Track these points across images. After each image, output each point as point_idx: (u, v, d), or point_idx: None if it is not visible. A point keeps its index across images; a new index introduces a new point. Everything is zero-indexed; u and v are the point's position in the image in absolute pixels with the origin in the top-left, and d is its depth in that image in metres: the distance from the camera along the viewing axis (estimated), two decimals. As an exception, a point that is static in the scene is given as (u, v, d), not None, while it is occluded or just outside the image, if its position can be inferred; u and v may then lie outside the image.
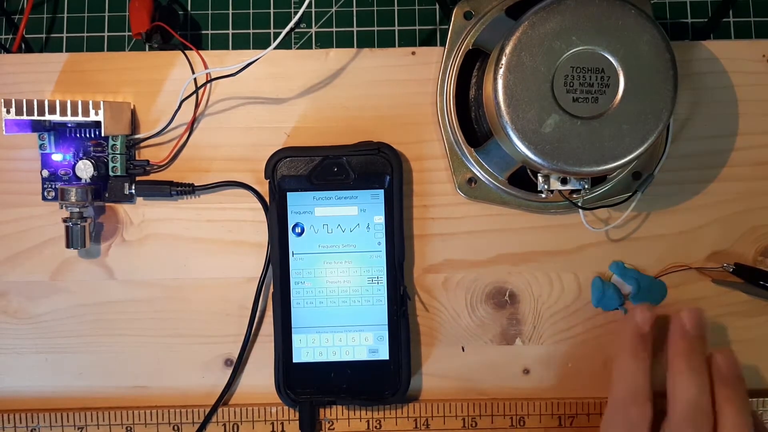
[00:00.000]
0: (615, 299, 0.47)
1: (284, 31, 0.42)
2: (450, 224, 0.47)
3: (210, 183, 0.46)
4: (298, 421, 0.46)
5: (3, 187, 0.47)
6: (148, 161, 0.46)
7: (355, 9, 0.51)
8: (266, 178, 0.45)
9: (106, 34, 0.51)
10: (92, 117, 0.43)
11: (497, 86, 0.39)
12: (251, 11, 0.51)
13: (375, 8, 0.51)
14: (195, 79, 0.46)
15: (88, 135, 0.46)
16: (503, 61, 0.38)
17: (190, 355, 0.47)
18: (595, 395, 0.47)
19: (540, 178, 0.42)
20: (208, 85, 0.46)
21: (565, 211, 0.47)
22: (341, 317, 0.45)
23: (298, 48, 0.51)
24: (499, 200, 0.46)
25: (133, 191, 0.46)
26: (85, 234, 0.45)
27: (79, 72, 0.46)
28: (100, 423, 0.46)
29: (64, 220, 0.45)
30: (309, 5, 0.48)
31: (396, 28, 0.51)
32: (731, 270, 0.46)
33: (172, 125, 0.46)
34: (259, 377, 0.47)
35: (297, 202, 0.45)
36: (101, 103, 0.43)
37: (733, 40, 0.51)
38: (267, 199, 0.46)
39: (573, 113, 0.38)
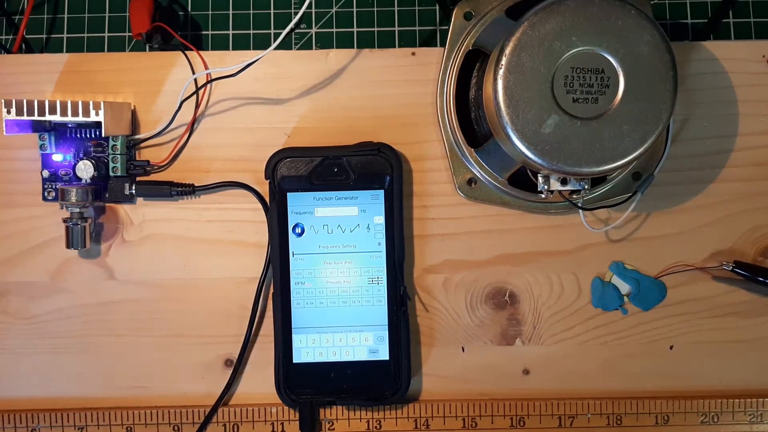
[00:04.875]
0: (615, 299, 0.47)
1: (284, 32, 0.42)
2: (450, 224, 0.47)
3: (210, 183, 0.46)
4: (298, 422, 0.46)
5: (3, 187, 0.47)
6: (148, 161, 0.46)
7: (355, 10, 0.51)
8: (266, 178, 0.45)
9: (106, 34, 0.51)
10: (93, 117, 0.43)
11: (497, 87, 0.39)
12: (251, 12, 0.51)
13: (375, 9, 0.51)
14: (195, 80, 0.46)
15: (88, 135, 0.46)
16: (503, 61, 0.38)
17: (190, 355, 0.47)
18: (595, 395, 0.47)
19: (540, 179, 0.42)
20: (209, 85, 0.46)
21: (565, 211, 0.47)
22: (341, 317, 0.45)
23: (298, 48, 0.51)
24: (499, 201, 0.46)
25: (134, 191, 0.46)
26: (86, 234, 0.45)
27: (79, 72, 0.46)
28: (100, 423, 0.46)
29: (65, 221, 0.45)
30: (309, 6, 0.48)
31: (396, 28, 0.51)
32: (731, 268, 0.46)
33: (173, 126, 0.46)
34: (259, 377, 0.47)
35: (297, 203, 0.45)
36: (101, 103, 0.43)
37: (733, 41, 0.51)
38: (267, 199, 0.46)
39: (573, 114, 0.38)
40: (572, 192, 0.43)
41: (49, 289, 0.47)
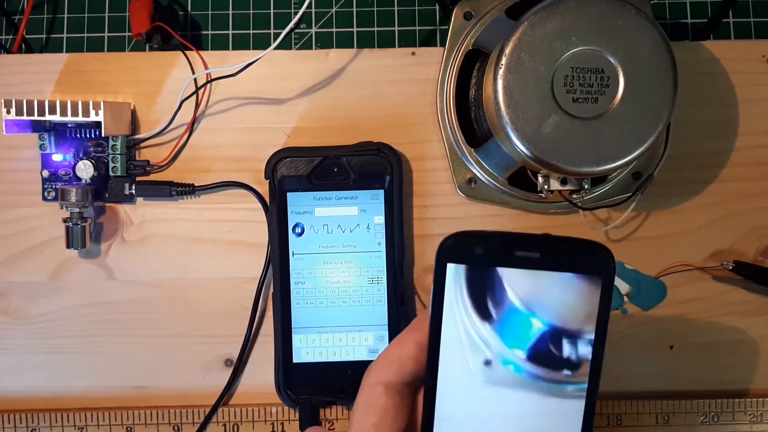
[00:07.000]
0: (615, 299, 0.47)
1: (284, 32, 0.42)
2: (450, 224, 0.47)
3: (210, 183, 0.46)
4: (298, 422, 0.46)
5: (3, 187, 0.47)
6: (148, 161, 0.46)
7: (355, 9, 0.51)
8: (266, 178, 0.45)
9: (106, 34, 0.51)
10: (92, 117, 0.43)
11: (497, 86, 0.39)
12: (251, 12, 0.51)
13: (375, 9, 0.51)
14: (195, 80, 0.46)
15: (88, 135, 0.46)
16: (503, 61, 0.38)
17: (190, 355, 0.47)
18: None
19: (540, 179, 0.42)
20: (209, 85, 0.46)
21: (565, 211, 0.47)
22: (341, 317, 0.45)
23: (298, 48, 0.51)
24: (499, 200, 0.46)
25: (134, 191, 0.46)
26: (86, 234, 0.45)
27: (79, 72, 0.46)
28: (100, 423, 0.46)
29: (65, 221, 0.45)
30: (309, 6, 0.48)
31: (396, 28, 0.51)
32: (731, 268, 0.46)
33: (173, 125, 0.46)
34: (259, 377, 0.47)
35: (297, 203, 0.45)
36: (101, 103, 0.43)
37: (733, 41, 0.51)
38: (267, 199, 0.46)
39: (573, 113, 0.38)
40: (572, 192, 0.43)
41: (49, 289, 0.47)
